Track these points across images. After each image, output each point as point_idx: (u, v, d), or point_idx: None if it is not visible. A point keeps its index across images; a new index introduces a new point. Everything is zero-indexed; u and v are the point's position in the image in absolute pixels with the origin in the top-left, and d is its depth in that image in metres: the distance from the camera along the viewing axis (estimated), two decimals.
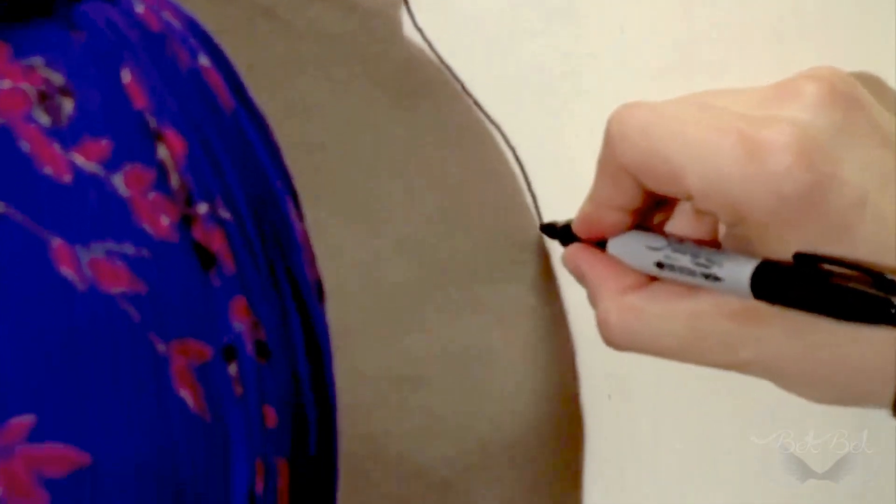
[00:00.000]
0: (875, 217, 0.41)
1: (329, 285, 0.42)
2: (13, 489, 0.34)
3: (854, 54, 0.58)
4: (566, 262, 0.50)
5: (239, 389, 0.38)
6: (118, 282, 0.37)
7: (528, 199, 0.56)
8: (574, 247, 0.49)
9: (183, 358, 0.37)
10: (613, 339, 0.46)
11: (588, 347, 0.54)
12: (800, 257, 0.41)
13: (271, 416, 0.39)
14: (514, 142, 0.56)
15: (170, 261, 0.38)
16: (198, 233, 0.38)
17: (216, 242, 0.39)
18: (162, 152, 0.38)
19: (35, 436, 0.35)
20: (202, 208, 0.39)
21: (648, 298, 0.46)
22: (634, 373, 0.50)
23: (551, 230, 0.53)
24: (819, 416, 0.55)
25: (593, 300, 0.48)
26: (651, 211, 0.48)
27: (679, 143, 0.43)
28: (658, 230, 0.47)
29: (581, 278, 0.49)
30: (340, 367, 0.42)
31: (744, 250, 0.43)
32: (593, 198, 0.48)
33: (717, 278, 0.43)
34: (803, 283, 0.41)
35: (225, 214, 0.39)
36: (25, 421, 0.35)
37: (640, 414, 0.55)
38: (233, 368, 0.38)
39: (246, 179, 0.40)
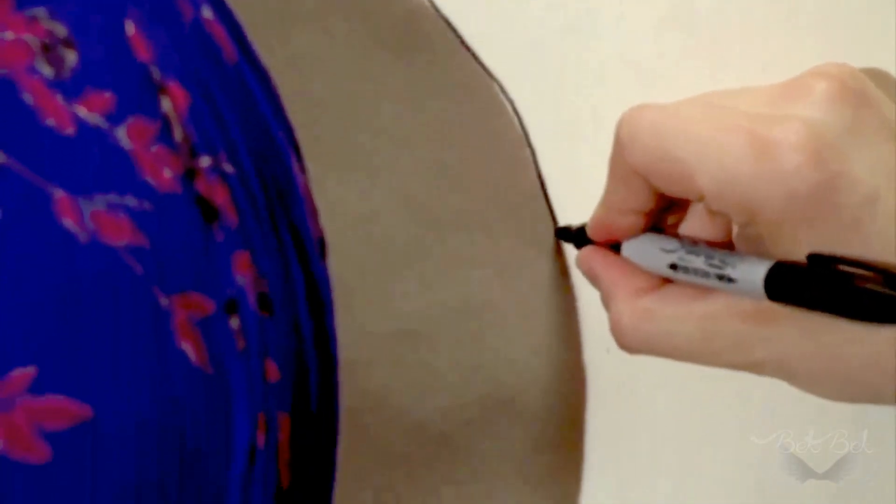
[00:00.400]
0: (886, 214, 0.41)
1: (329, 240, 0.42)
2: (14, 441, 0.34)
3: (855, 21, 0.58)
4: (580, 264, 0.50)
5: (241, 343, 0.38)
6: (120, 234, 0.36)
7: (527, 153, 0.56)
8: (588, 249, 0.49)
9: (185, 311, 0.37)
10: (626, 342, 0.46)
11: (587, 301, 0.54)
12: (814, 258, 0.41)
13: (273, 370, 0.39)
14: (512, 96, 0.56)
15: (172, 214, 0.38)
16: (201, 186, 0.38)
17: (219, 196, 0.39)
18: (165, 105, 0.38)
19: (36, 388, 0.35)
20: (205, 161, 0.39)
21: (661, 300, 0.46)
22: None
23: (566, 234, 0.53)
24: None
25: (606, 303, 0.48)
26: (664, 213, 0.47)
27: (689, 143, 0.42)
28: (671, 232, 0.47)
29: (595, 281, 0.49)
30: (341, 322, 0.42)
31: (756, 250, 0.43)
32: (606, 202, 0.47)
33: (730, 280, 0.43)
34: (817, 284, 0.40)
35: (228, 168, 0.39)
36: (26, 373, 0.35)
37: (639, 373, 0.55)
38: (235, 322, 0.38)
39: (249, 133, 0.40)
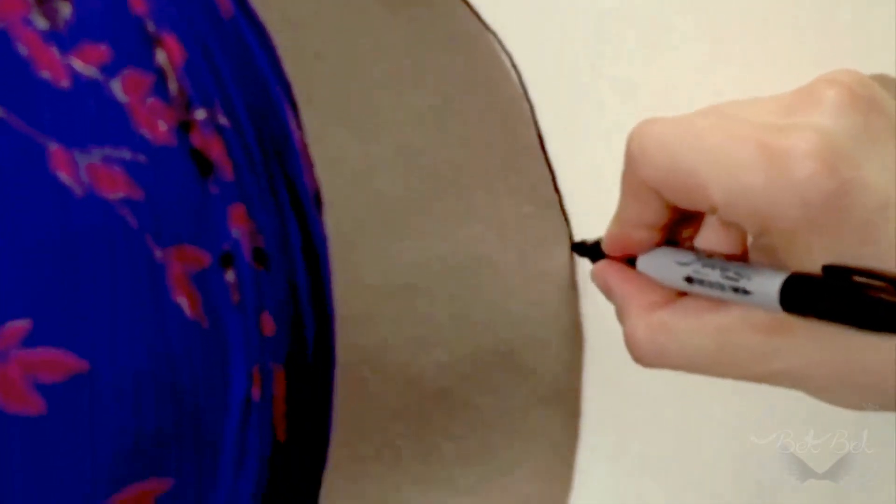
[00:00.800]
0: None
1: (326, 194, 0.42)
2: (8, 394, 0.34)
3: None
4: (595, 278, 0.50)
5: (237, 296, 0.38)
6: (116, 187, 0.36)
7: (526, 108, 0.56)
8: (602, 263, 0.49)
9: (180, 265, 0.37)
10: (641, 356, 0.46)
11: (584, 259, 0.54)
12: (829, 269, 0.41)
13: (269, 324, 0.39)
14: (510, 50, 0.56)
15: (167, 167, 0.38)
16: (196, 139, 0.38)
17: (214, 149, 0.39)
18: (160, 58, 0.38)
19: (30, 341, 0.35)
20: (200, 114, 0.39)
21: (676, 314, 0.45)
22: None
23: (581, 248, 0.53)
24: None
25: (621, 317, 0.48)
26: (679, 226, 0.47)
27: (700, 155, 0.42)
28: (687, 245, 0.47)
29: (609, 295, 0.49)
30: (338, 276, 0.42)
31: (771, 261, 0.43)
32: (619, 217, 0.47)
33: (746, 292, 0.43)
34: (833, 296, 0.40)
35: (224, 121, 0.39)
36: (21, 325, 0.35)
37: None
38: (230, 275, 0.38)
39: (245, 87, 0.40)
